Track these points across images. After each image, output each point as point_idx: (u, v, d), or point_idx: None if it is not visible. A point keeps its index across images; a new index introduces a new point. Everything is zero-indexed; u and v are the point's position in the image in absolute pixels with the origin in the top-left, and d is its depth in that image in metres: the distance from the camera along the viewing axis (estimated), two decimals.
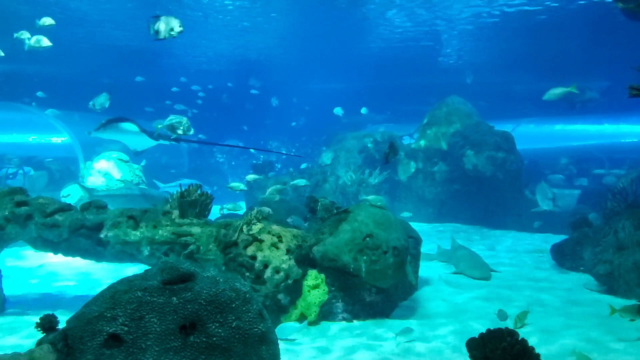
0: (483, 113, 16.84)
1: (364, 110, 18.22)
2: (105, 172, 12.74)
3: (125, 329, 3.66)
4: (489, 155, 13.97)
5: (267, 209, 7.15)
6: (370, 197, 12.71)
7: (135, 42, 17.86)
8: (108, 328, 3.65)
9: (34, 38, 9.53)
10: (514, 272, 9.27)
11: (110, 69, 19.66)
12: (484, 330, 3.89)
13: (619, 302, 7.14)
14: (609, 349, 5.49)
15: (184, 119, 8.33)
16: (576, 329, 6.09)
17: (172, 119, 8.39)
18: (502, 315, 6.02)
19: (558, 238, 10.38)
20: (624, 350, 5.44)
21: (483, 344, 3.83)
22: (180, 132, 8.41)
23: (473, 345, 3.87)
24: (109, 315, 3.72)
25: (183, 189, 6.41)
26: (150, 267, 4.28)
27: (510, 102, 24.11)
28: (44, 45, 9.39)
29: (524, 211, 13.73)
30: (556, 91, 10.33)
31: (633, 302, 6.17)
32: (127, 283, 3.95)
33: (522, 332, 5.42)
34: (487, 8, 16.89)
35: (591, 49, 19.67)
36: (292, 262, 6.16)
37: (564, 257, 9.56)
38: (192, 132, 8.52)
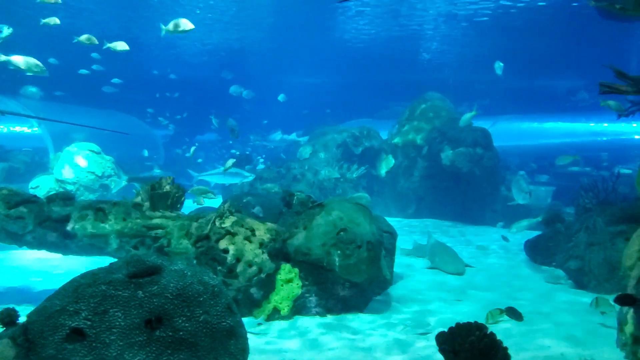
0: (461, 110, 16.98)
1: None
2: (76, 163, 12.40)
3: (88, 323, 3.57)
4: (466, 152, 14.10)
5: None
6: (356, 195, 12.79)
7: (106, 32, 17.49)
8: (70, 322, 3.55)
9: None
10: (487, 267, 9.37)
11: (87, 58, 19.22)
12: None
13: (590, 295, 7.30)
14: (578, 340, 5.59)
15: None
16: (547, 322, 6.18)
17: None
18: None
19: (532, 234, 10.54)
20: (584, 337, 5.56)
21: (452, 337, 3.84)
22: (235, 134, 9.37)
23: (442, 339, 3.87)
24: (71, 309, 3.62)
25: (155, 182, 6.28)
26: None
27: (489, 99, 24.40)
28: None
29: (500, 207, 13.92)
30: (467, 116, 12.77)
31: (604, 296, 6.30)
32: (91, 276, 3.85)
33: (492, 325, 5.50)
34: (464, 7, 17.04)
35: (567, 48, 20.01)
36: (266, 255, 6.10)
37: (536, 252, 9.70)
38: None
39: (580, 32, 17.98)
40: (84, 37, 9.95)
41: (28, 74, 9.15)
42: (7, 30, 8.60)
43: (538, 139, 29.90)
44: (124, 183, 11.91)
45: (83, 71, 15.79)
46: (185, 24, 8.52)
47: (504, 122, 27.68)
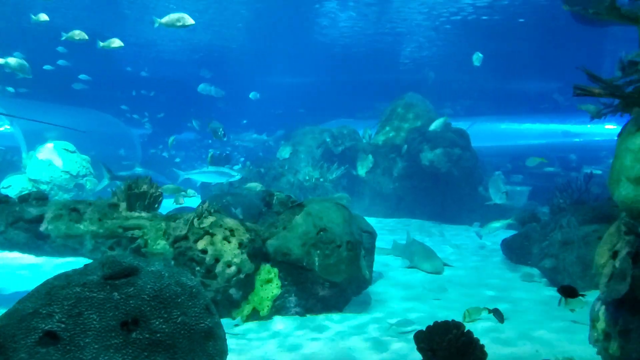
0: (440, 110, 17.19)
1: None
2: (50, 162, 12.11)
3: (62, 326, 3.49)
4: (445, 152, 14.26)
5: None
6: (336, 195, 12.81)
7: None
8: (43, 325, 3.47)
9: None
10: (465, 266, 9.50)
11: (57, 56, 18.82)
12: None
13: None
14: (551, 336, 5.70)
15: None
16: (521, 320, 6.29)
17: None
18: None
19: (509, 233, 10.72)
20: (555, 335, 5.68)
21: (430, 336, 3.88)
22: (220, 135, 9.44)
23: (420, 337, 3.91)
24: (44, 312, 3.54)
25: (130, 182, 6.18)
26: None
27: (467, 100, 24.75)
28: None
29: (478, 207, 14.12)
30: (439, 121, 12.88)
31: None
32: (64, 278, 3.77)
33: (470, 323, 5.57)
34: (444, 8, 17.24)
35: (544, 50, 20.42)
36: (245, 256, 6.06)
37: (513, 251, 9.87)
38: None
39: (557, 36, 18.36)
40: (74, 34, 9.60)
41: (20, 75, 8.99)
42: None
43: (515, 139, 30.43)
44: (106, 182, 11.70)
45: (47, 67, 15.34)
46: (186, 19, 8.20)
47: (482, 123, 28.13)
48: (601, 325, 4.86)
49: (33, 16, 9.72)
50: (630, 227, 4.54)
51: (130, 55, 20.75)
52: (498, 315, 5.11)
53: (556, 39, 18.87)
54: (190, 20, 8.16)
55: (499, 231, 10.85)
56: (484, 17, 17.65)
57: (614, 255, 4.71)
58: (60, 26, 11.46)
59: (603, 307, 4.87)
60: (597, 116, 5.63)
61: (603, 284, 4.72)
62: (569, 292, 4.46)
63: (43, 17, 9.64)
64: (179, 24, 8.10)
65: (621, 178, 4.57)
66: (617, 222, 4.94)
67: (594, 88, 4.69)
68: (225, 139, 9.78)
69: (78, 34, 9.58)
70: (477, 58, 13.95)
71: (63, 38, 9.74)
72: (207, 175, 10.08)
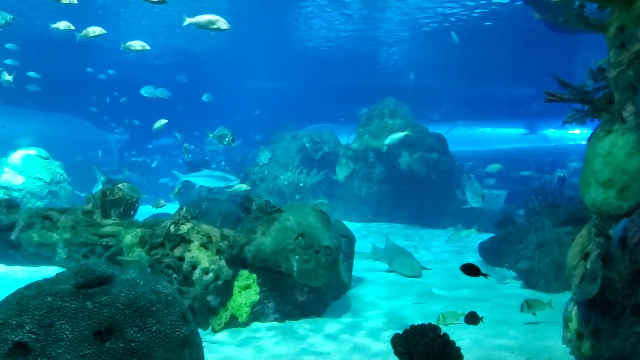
0: (419, 115, 17.38)
1: None
2: (22, 169, 11.81)
3: (33, 336, 3.41)
4: (423, 156, 14.42)
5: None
6: (317, 202, 12.80)
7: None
8: (13, 336, 3.39)
9: None
10: (443, 269, 9.59)
11: (38, 60, 18.46)
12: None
13: (538, 295, 7.59)
14: (526, 337, 5.81)
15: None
16: (497, 322, 6.38)
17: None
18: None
19: (486, 236, 10.87)
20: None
21: (407, 339, 3.91)
22: (226, 143, 9.03)
23: (397, 341, 3.94)
24: (14, 322, 3.46)
25: (106, 188, 6.08)
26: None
27: (445, 105, 25.10)
28: None
29: (456, 210, 14.30)
30: (395, 136, 12.65)
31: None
32: (35, 288, 3.69)
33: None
34: (423, 15, 17.49)
35: (519, 57, 20.86)
36: (223, 262, 6.01)
37: (489, 254, 10.01)
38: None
39: (532, 43, 18.78)
40: (61, 24, 9.05)
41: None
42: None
43: (491, 144, 30.97)
44: (100, 186, 11.48)
45: (32, 74, 14.92)
46: (220, 23, 7.47)
47: (460, 127, 28.57)
48: (574, 325, 4.97)
49: (52, 24, 9.13)
50: (600, 229, 4.66)
51: (106, 60, 20.47)
52: (474, 319, 5.15)
53: (531, 46, 19.30)
54: (225, 25, 7.40)
55: (477, 234, 11.04)
56: (460, 23, 17.95)
57: (585, 256, 4.82)
58: (31, 29, 11.19)
59: (575, 308, 4.98)
60: (568, 121, 5.77)
61: (575, 285, 4.83)
62: (472, 272, 4.59)
63: (65, 25, 9.01)
64: (212, 26, 7.39)
65: (591, 182, 4.69)
66: (588, 225, 5.06)
67: (564, 94, 4.81)
68: (234, 144, 9.61)
69: (66, 26, 8.95)
70: (454, 37, 14.18)
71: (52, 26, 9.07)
72: (206, 179, 10.05)
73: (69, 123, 21.59)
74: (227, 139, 8.94)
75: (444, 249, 11.56)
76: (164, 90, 16.35)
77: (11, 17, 8.44)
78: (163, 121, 10.56)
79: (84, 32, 8.89)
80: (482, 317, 5.19)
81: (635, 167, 4.37)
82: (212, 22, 7.33)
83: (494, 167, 12.54)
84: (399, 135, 12.61)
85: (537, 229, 9.01)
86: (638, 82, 4.35)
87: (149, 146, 23.71)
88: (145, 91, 15.77)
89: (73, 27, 9.05)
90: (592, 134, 4.89)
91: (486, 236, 10.85)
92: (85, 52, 19.64)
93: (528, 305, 5.99)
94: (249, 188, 10.66)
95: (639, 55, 4.22)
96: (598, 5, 4.63)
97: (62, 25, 8.92)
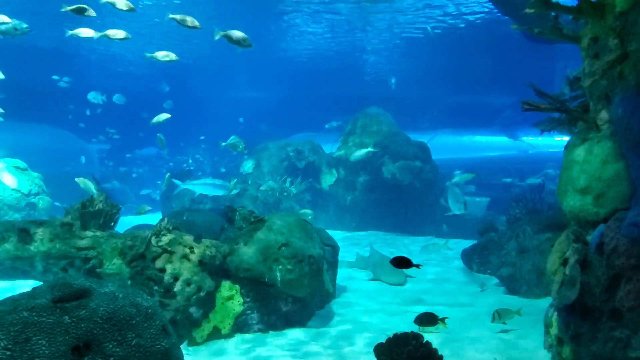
0: (402, 124, 17.50)
1: None
2: None
3: (8, 353, 3.34)
4: (407, 165, 14.51)
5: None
6: (301, 212, 12.79)
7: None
8: None
9: None
10: (427, 277, 9.63)
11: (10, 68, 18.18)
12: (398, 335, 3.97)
13: (521, 301, 7.66)
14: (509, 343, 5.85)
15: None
16: (479, 328, 6.42)
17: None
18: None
19: (469, 243, 10.96)
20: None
21: (389, 348, 3.91)
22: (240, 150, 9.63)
23: (380, 350, 3.93)
24: None
25: (86, 199, 5.99)
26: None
27: (427, 114, 25.38)
28: None
29: (439, 218, 14.40)
30: (361, 152, 13.19)
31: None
32: (11, 303, 3.61)
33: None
34: (406, 25, 17.72)
35: (499, 67, 21.22)
36: (205, 273, 5.96)
37: (472, 261, 10.09)
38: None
39: (512, 52, 19.11)
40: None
41: None
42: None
43: (473, 152, 31.34)
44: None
45: None
46: (248, 41, 7.94)
47: (443, 135, 28.88)
48: (554, 330, 5.02)
49: (70, 30, 8.90)
50: (578, 235, 4.73)
51: (86, 69, 20.27)
52: (429, 322, 5.08)
53: (512, 56, 19.65)
54: (250, 43, 7.92)
55: (460, 242, 11.13)
56: (438, 32, 18.19)
57: (565, 262, 4.89)
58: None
59: (556, 313, 5.04)
60: (546, 129, 5.87)
61: (555, 290, 4.89)
62: (401, 263, 4.63)
63: (87, 32, 8.75)
64: (244, 43, 7.91)
65: (568, 189, 4.78)
66: (567, 231, 5.15)
67: (541, 103, 4.91)
68: (246, 152, 9.97)
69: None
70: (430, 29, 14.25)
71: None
72: (205, 187, 10.08)
73: (48, 133, 21.24)
74: (240, 147, 9.67)
75: (428, 256, 11.61)
76: (120, 96, 16.09)
77: (26, 26, 8.29)
78: (165, 115, 10.47)
79: (76, 30, 8.76)
80: (446, 318, 5.15)
81: (610, 174, 4.47)
82: (244, 40, 7.95)
83: (463, 177, 12.34)
84: (363, 151, 12.95)
85: (518, 235, 9.11)
86: (611, 92, 4.46)
87: (128, 155, 23.45)
88: (92, 96, 15.55)
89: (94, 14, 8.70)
90: (568, 141, 4.99)
91: (468, 243, 10.94)
92: (69, 63, 19.46)
93: (499, 315, 6.07)
94: (238, 190, 10.69)
95: (612, 66, 4.33)
96: (572, 16, 4.74)
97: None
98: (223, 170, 20.47)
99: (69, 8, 8.08)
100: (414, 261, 4.83)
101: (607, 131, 4.57)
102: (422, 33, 18.31)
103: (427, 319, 5.00)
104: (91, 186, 8.81)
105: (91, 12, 8.07)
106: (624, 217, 4.28)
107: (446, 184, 12.47)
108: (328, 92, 23.68)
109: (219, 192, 10.28)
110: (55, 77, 17.64)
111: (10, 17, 8.90)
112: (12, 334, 3.39)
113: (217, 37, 7.83)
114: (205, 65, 21.57)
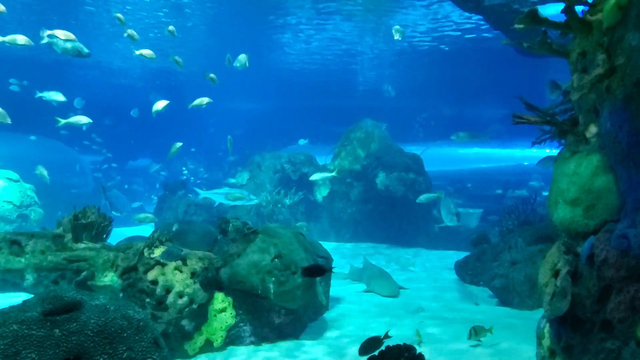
0: (395, 136, 17.61)
1: None
2: None
3: None
4: (400, 177, 14.58)
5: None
6: (297, 225, 12.82)
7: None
8: None
9: None
10: (420, 288, 9.63)
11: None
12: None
13: (513, 312, 7.68)
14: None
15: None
16: (471, 340, 6.42)
17: None
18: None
19: (462, 254, 10.99)
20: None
21: None
22: None
23: None
24: None
25: (78, 211, 5.97)
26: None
27: (420, 126, 25.55)
28: None
29: (432, 229, 14.45)
30: (323, 175, 13.56)
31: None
32: (1, 316, 3.58)
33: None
34: (397, 40, 17.91)
35: (491, 80, 21.46)
36: (198, 285, 5.93)
37: (466, 272, 10.11)
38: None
39: (505, 66, 19.35)
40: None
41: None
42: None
43: (464, 164, 31.52)
44: (104, 201, 11.34)
45: None
46: (244, 59, 8.30)
47: (436, 147, 29.01)
48: (546, 342, 5.03)
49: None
50: (569, 247, 4.77)
51: (82, 79, 20.30)
52: (372, 348, 4.96)
53: (504, 69, 19.89)
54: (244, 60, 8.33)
55: (453, 253, 11.15)
56: (432, 45, 18.42)
57: (556, 274, 4.92)
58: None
59: (547, 325, 5.05)
60: (537, 142, 5.93)
61: (546, 302, 4.91)
62: (315, 272, 4.62)
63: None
64: (239, 64, 8.33)
65: (558, 200, 4.82)
66: (558, 242, 5.18)
67: (530, 116, 4.97)
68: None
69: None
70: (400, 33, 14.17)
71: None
72: (223, 196, 10.24)
73: (40, 144, 21.17)
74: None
75: (422, 268, 11.62)
76: (79, 99, 15.89)
77: (87, 52, 8.19)
78: (178, 144, 10.63)
79: (61, 34, 8.57)
80: (390, 337, 5.05)
81: (600, 186, 4.52)
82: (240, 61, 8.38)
83: (428, 197, 11.46)
84: (326, 175, 13.25)
85: (510, 247, 9.15)
86: (600, 105, 4.53)
87: (114, 165, 23.37)
88: (44, 94, 15.37)
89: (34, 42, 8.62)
90: (558, 154, 5.05)
91: (462, 254, 10.97)
92: (65, 73, 19.49)
93: (475, 332, 6.09)
94: (244, 195, 10.74)
95: (600, 80, 4.41)
96: (560, 32, 4.83)
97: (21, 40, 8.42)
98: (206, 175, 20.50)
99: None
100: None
101: (595, 144, 4.64)
102: (416, 47, 18.52)
103: (371, 346, 4.86)
104: (46, 175, 8.74)
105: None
106: (613, 228, 4.32)
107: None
108: (324, 103, 23.84)
109: (237, 202, 10.47)
110: (12, 80, 17.37)
111: None
112: (2, 347, 3.37)
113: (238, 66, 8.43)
114: (202, 77, 21.63)
